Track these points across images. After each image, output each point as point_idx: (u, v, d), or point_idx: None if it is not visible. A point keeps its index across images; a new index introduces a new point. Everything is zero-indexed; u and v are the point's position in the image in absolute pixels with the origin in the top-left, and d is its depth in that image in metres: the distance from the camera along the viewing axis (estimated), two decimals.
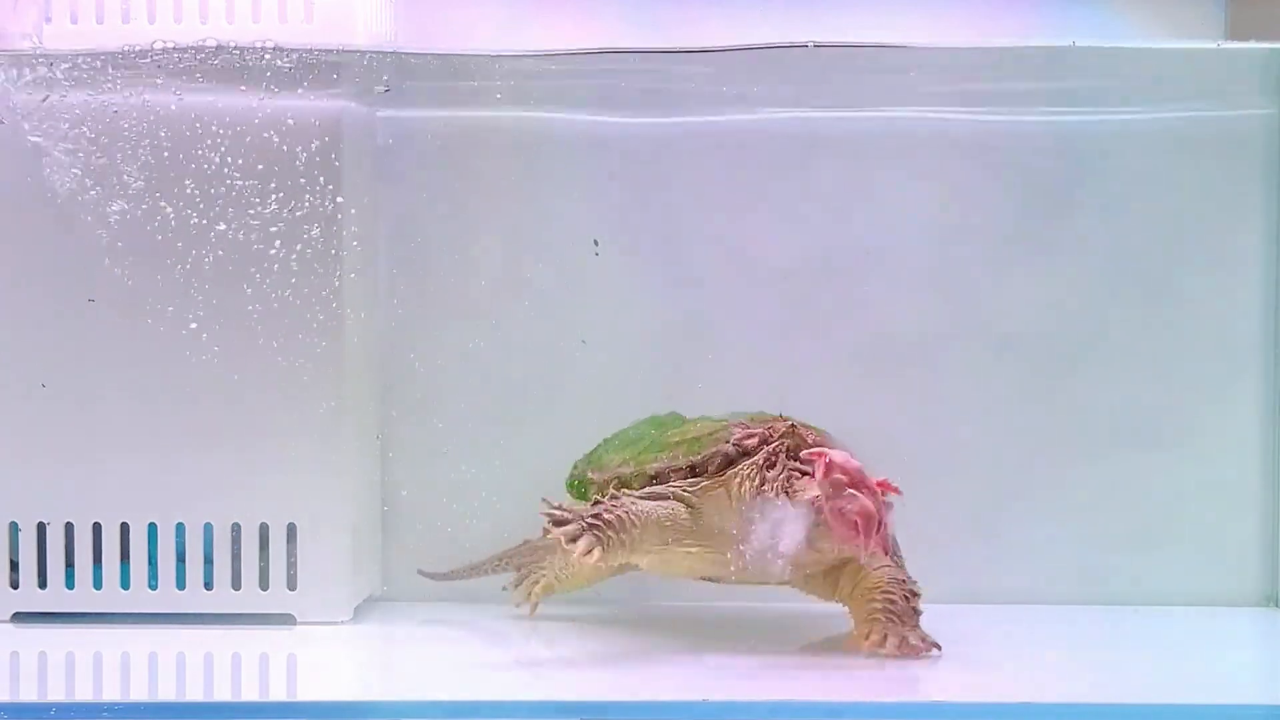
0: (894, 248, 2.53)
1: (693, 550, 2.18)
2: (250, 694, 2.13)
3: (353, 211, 2.38)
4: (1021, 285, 2.53)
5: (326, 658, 2.25)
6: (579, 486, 2.33)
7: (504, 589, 2.43)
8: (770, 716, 1.99)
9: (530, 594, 2.36)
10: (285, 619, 2.35)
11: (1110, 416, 2.52)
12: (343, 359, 2.35)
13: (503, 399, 2.53)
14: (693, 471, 2.19)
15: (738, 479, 2.16)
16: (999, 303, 2.53)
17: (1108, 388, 2.52)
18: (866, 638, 2.15)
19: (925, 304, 2.53)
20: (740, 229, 2.54)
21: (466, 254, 2.53)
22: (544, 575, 2.36)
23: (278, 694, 2.13)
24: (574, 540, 2.10)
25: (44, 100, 2.30)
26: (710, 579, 2.25)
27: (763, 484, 2.14)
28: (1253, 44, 2.39)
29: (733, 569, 2.17)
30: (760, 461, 2.15)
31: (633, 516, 2.14)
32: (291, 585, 2.36)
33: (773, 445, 2.16)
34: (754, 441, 2.17)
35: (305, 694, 2.14)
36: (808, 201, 2.53)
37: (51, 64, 2.29)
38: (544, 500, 2.16)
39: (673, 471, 2.19)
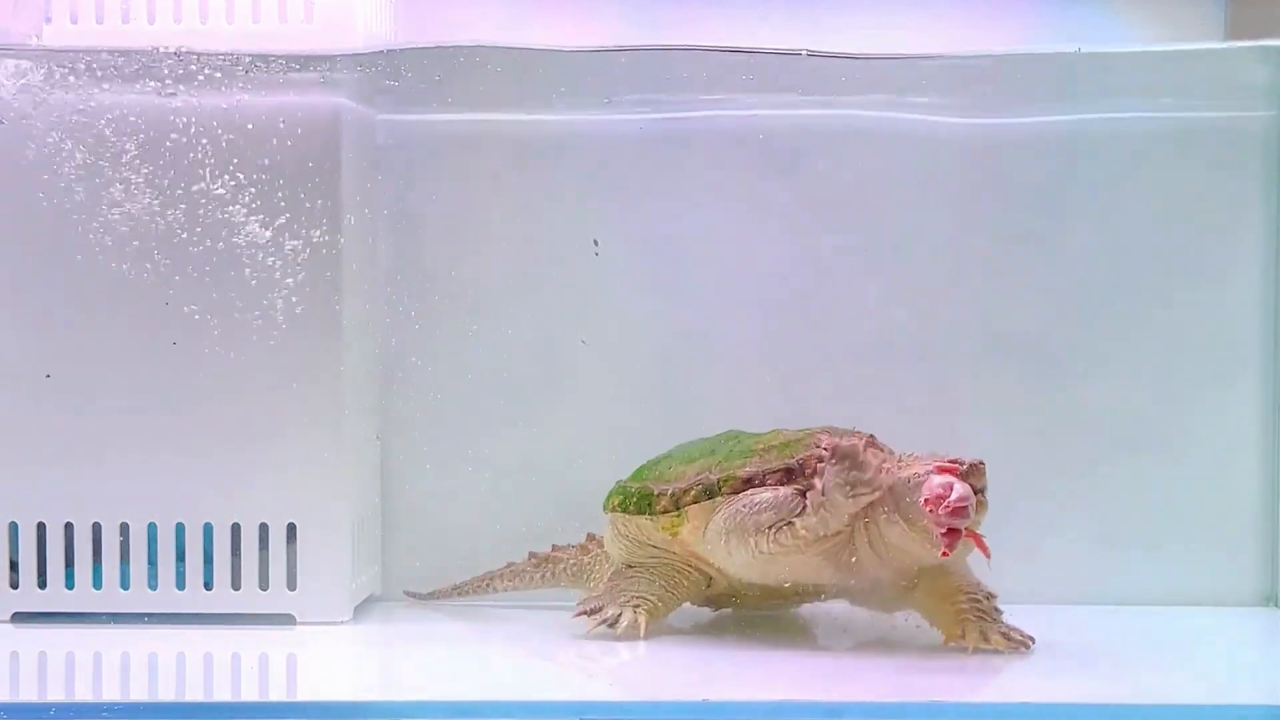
0: (894, 249, 2.53)
1: (813, 556, 2.20)
2: (250, 694, 2.12)
3: (353, 211, 2.38)
4: (1021, 287, 2.53)
5: (326, 658, 2.24)
6: (640, 501, 2.30)
7: (597, 624, 2.28)
8: (770, 716, 1.99)
9: (636, 623, 2.26)
10: (285, 619, 2.35)
11: (1110, 417, 2.52)
12: (343, 359, 2.35)
13: (503, 399, 2.53)
14: (789, 474, 2.21)
15: None
16: (999, 304, 2.53)
17: (1107, 389, 2.52)
18: (963, 636, 2.19)
19: (925, 306, 2.53)
20: (740, 229, 2.54)
21: (466, 254, 2.53)
22: (642, 600, 2.28)
23: (278, 694, 2.13)
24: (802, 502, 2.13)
25: (44, 101, 2.30)
26: (804, 593, 2.30)
27: None
28: (1255, 42, 2.40)
29: (837, 574, 2.19)
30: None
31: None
32: (291, 585, 2.36)
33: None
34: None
35: (305, 694, 2.14)
36: (808, 202, 2.53)
37: (52, 64, 2.29)
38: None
39: (768, 474, 2.21)
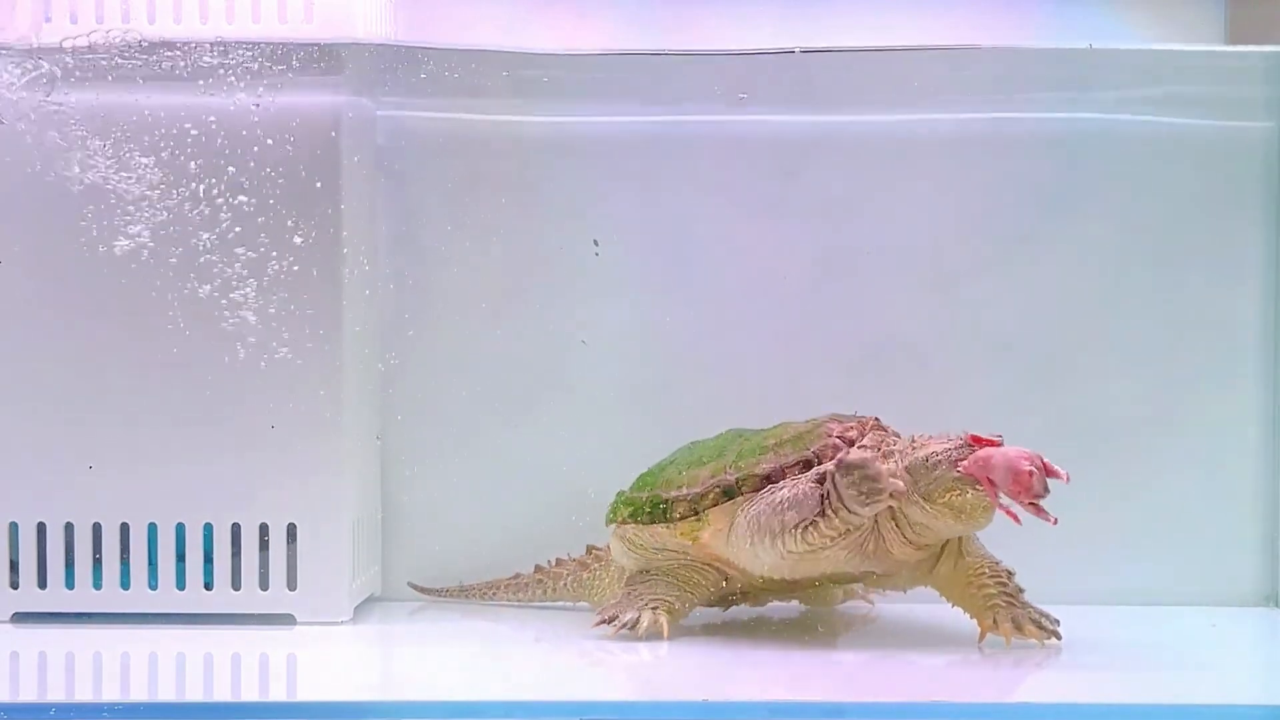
0: (895, 249, 2.53)
1: (840, 550, 2.19)
2: (250, 694, 2.13)
3: (353, 211, 2.38)
4: (1021, 287, 2.53)
5: (326, 658, 2.24)
6: (654, 510, 2.28)
7: (618, 629, 2.26)
8: (770, 716, 1.99)
9: (657, 623, 2.24)
10: (285, 619, 2.35)
11: (1110, 417, 2.52)
12: (343, 359, 2.35)
13: (503, 399, 2.53)
14: (807, 466, 2.21)
15: None
16: (999, 304, 2.53)
17: (1107, 389, 2.52)
18: (995, 626, 2.21)
19: (925, 305, 2.53)
20: (740, 230, 2.54)
21: (466, 254, 2.53)
22: (660, 602, 2.27)
23: (278, 694, 2.13)
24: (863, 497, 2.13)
25: (43, 100, 2.30)
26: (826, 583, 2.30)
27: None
28: (1257, 48, 2.40)
29: (864, 562, 2.20)
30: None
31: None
32: (291, 585, 2.36)
33: (868, 436, 2.22)
34: (854, 434, 2.23)
35: (305, 694, 2.14)
36: (808, 203, 2.53)
37: (51, 64, 2.29)
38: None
39: (787, 469, 2.22)
